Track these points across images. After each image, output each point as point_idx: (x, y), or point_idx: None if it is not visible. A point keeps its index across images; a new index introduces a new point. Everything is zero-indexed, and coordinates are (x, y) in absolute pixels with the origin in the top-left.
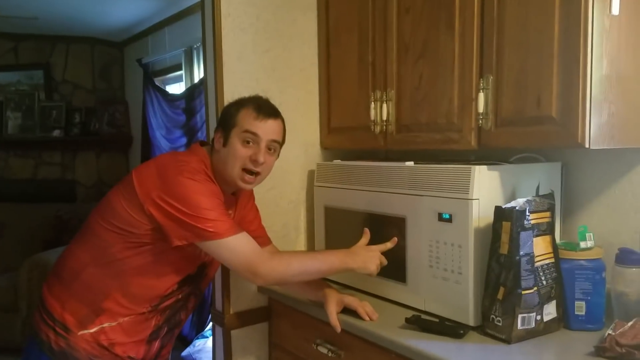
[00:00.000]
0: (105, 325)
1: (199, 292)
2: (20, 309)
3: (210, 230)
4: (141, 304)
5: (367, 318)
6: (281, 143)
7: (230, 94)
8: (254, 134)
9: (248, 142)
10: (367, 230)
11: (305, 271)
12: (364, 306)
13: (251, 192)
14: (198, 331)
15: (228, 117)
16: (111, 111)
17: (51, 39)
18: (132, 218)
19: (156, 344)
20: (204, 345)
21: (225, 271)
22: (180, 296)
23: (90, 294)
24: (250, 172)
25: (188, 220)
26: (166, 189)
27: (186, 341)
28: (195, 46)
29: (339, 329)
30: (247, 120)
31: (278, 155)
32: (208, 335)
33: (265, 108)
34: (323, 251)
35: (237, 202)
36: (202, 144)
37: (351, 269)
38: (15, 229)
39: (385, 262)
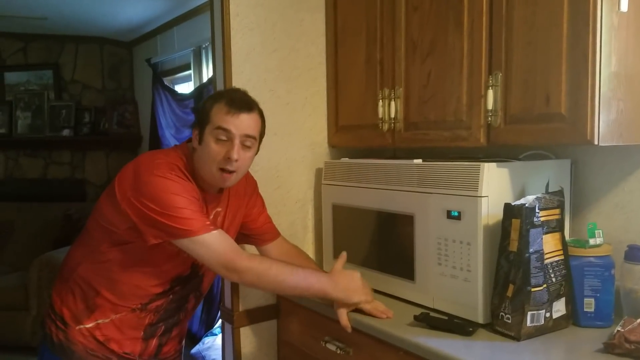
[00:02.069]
0: (100, 321)
1: (199, 294)
2: (30, 308)
3: (184, 228)
4: (130, 302)
5: (384, 316)
6: (258, 137)
7: None
8: (226, 130)
9: (222, 139)
10: (344, 253)
11: (282, 281)
12: (377, 307)
13: (254, 187)
14: (207, 329)
15: (203, 114)
16: (120, 111)
17: (60, 39)
18: (112, 216)
19: (153, 342)
20: (213, 342)
21: None
22: (172, 296)
23: (84, 290)
24: (227, 170)
25: (161, 219)
26: (139, 188)
27: (195, 339)
28: (203, 46)
29: (349, 329)
30: (219, 115)
31: (257, 150)
32: (217, 333)
33: (237, 102)
34: (307, 269)
35: (228, 199)
36: (190, 140)
37: (330, 297)
38: (25, 228)
39: (371, 299)
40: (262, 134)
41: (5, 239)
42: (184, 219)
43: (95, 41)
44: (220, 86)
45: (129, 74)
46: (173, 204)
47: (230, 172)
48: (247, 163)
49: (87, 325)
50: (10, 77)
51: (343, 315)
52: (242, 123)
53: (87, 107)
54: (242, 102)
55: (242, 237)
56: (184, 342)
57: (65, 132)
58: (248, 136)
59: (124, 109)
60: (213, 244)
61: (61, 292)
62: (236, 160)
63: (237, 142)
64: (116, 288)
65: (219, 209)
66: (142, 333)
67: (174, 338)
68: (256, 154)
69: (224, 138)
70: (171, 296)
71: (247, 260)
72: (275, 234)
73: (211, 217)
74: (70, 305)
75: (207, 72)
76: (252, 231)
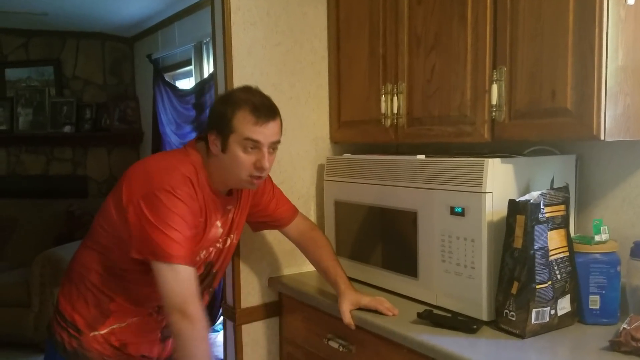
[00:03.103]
0: (115, 326)
1: (211, 290)
2: (33, 305)
3: (167, 250)
4: (146, 306)
5: (390, 313)
6: (280, 139)
7: None
8: (256, 141)
9: (250, 149)
10: None
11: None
12: (382, 303)
13: None
14: (209, 325)
15: (224, 120)
16: (122, 107)
17: (61, 34)
18: (118, 222)
19: (170, 342)
20: (215, 339)
21: (236, 266)
22: None
23: (97, 296)
24: (257, 177)
25: (151, 234)
26: (148, 198)
27: None
28: (204, 41)
29: (353, 327)
30: (246, 126)
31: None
32: (219, 330)
33: (262, 109)
34: None
35: (239, 197)
36: (199, 139)
37: None
38: (27, 224)
39: None
40: (281, 132)
41: (7, 235)
42: (172, 240)
43: (96, 37)
44: (221, 81)
45: (130, 70)
46: (170, 223)
47: (260, 177)
48: (272, 165)
49: (102, 332)
50: (12, 73)
51: (346, 314)
52: (270, 132)
53: (88, 103)
54: (267, 109)
55: (260, 224)
56: None
57: (67, 129)
58: (275, 142)
59: (125, 105)
60: (182, 277)
61: (71, 297)
62: (267, 168)
63: (266, 150)
64: (131, 294)
65: (229, 207)
66: (160, 334)
67: None
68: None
69: (252, 147)
70: None
71: (201, 312)
72: (291, 215)
73: (220, 216)
74: (82, 312)
75: (208, 68)
76: (266, 217)
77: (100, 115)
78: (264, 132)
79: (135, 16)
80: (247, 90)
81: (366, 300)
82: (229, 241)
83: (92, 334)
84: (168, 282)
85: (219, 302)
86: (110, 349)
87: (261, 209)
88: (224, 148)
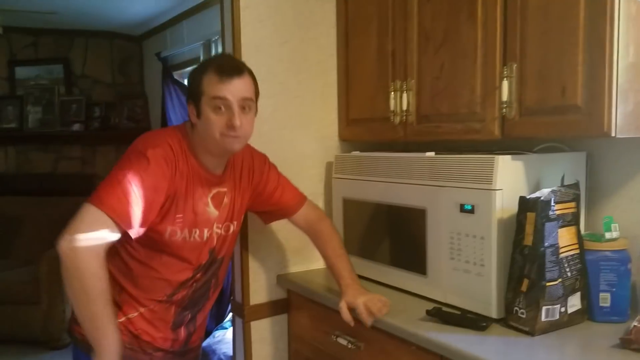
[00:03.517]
0: (130, 315)
1: (217, 280)
2: (41, 302)
3: (101, 195)
4: (155, 294)
5: (371, 321)
6: (255, 98)
7: None
8: (223, 98)
9: (220, 108)
10: None
11: (83, 292)
12: (371, 306)
13: (262, 162)
14: (217, 322)
15: (194, 87)
16: (131, 105)
17: (70, 33)
18: None
19: (182, 331)
20: (224, 336)
21: (245, 263)
22: (194, 284)
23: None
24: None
25: (102, 182)
26: (121, 159)
27: (206, 332)
28: (213, 39)
29: (352, 323)
30: (212, 85)
31: (256, 111)
32: (227, 327)
33: (226, 67)
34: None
35: (240, 180)
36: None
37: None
38: (35, 222)
39: None
40: (257, 93)
41: (15, 233)
42: (114, 191)
43: (105, 35)
44: None
45: (138, 68)
46: (128, 177)
47: (235, 136)
48: (250, 126)
49: (120, 320)
50: (21, 72)
51: (343, 309)
52: (236, 88)
53: (97, 102)
54: (231, 67)
55: (267, 214)
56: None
57: (76, 127)
58: (245, 99)
59: (133, 103)
60: (99, 221)
61: None
62: (240, 126)
63: (235, 108)
64: (139, 282)
65: (223, 189)
66: (172, 323)
67: (199, 327)
68: (255, 114)
69: (222, 107)
70: (194, 284)
71: (89, 255)
72: (297, 204)
73: (211, 195)
74: None
75: None
76: (272, 206)
77: (109, 113)
78: (229, 89)
79: (144, 14)
80: (215, 55)
81: (360, 301)
82: (232, 228)
83: None
84: (80, 215)
85: (227, 298)
86: (130, 336)
87: (265, 197)
88: (199, 113)
